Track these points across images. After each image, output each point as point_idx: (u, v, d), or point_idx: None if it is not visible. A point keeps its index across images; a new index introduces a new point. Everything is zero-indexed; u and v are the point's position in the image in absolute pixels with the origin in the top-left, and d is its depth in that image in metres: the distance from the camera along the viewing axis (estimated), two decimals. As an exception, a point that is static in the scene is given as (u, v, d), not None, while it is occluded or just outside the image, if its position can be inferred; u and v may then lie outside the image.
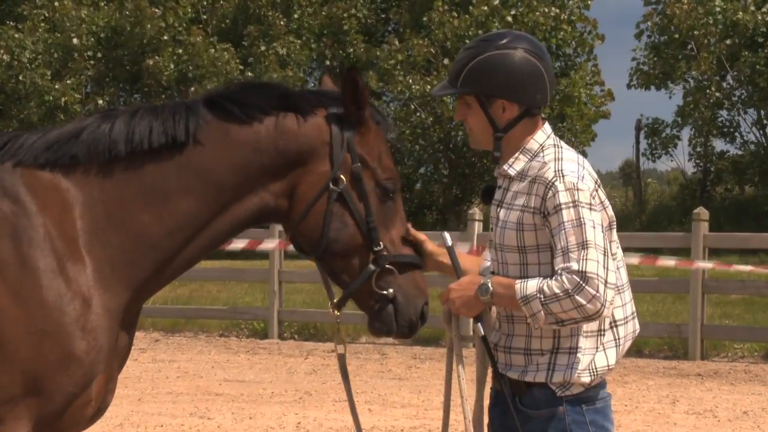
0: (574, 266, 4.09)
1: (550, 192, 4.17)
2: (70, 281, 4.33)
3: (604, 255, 4.12)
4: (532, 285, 4.17)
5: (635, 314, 4.41)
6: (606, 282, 4.10)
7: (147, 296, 4.55)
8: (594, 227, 4.13)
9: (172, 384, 13.62)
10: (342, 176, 4.44)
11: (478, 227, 16.57)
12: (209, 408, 11.96)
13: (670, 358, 15.31)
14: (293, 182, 4.46)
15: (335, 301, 4.59)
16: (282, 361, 15.54)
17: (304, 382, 13.63)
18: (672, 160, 33.99)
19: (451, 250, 4.48)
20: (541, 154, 4.27)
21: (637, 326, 4.41)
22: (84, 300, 4.33)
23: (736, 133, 31.24)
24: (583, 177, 4.18)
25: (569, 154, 4.27)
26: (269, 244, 17.23)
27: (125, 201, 4.41)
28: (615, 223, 4.32)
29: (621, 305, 4.31)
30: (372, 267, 4.45)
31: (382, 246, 4.45)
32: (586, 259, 4.10)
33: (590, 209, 4.14)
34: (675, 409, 11.91)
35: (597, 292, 4.08)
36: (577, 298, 4.08)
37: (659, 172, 45.76)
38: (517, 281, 4.21)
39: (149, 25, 32.74)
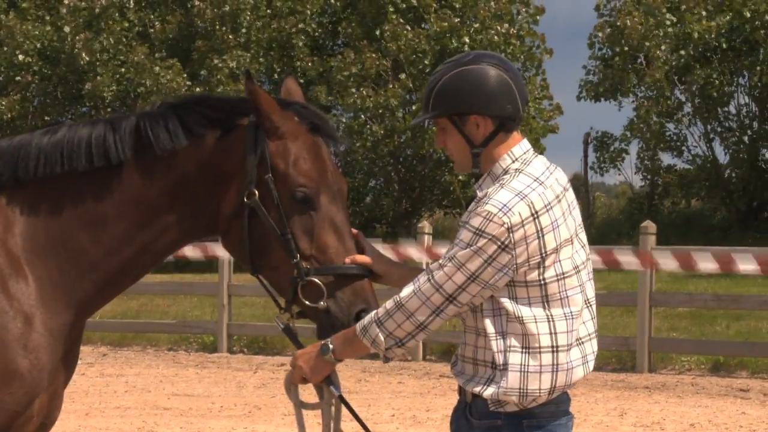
0: (433, 265, 4.20)
1: (473, 210, 4.20)
2: (12, 299, 4.31)
3: (468, 279, 4.14)
4: (369, 315, 4.26)
5: (587, 337, 4.32)
6: (439, 287, 4.16)
7: (90, 313, 4.52)
8: (476, 256, 4.13)
9: (120, 398, 13.54)
10: (255, 189, 4.36)
11: (427, 240, 16.60)
12: (157, 422, 11.90)
13: (618, 371, 15.40)
14: (218, 199, 4.41)
15: (282, 311, 4.49)
16: (231, 375, 15.50)
17: (253, 396, 13.60)
18: (620, 174, 34.24)
19: (287, 331, 4.47)
20: (501, 179, 4.25)
21: (589, 351, 4.33)
22: (26, 318, 4.31)
23: (683, 147, 31.49)
24: (509, 209, 4.14)
25: (518, 182, 4.22)
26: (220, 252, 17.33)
27: (64, 221, 4.40)
28: (564, 246, 4.25)
29: (566, 331, 4.25)
30: (296, 279, 4.35)
31: (299, 258, 4.32)
32: (441, 266, 4.17)
33: (493, 242, 4.12)
34: (623, 421, 11.99)
35: (420, 281, 4.19)
36: (403, 296, 4.20)
37: (607, 185, 46.01)
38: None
39: (83, 53, 32.43)
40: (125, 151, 4.38)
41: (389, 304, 4.23)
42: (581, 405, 12.74)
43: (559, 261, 4.23)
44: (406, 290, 4.22)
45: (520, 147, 4.33)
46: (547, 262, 4.20)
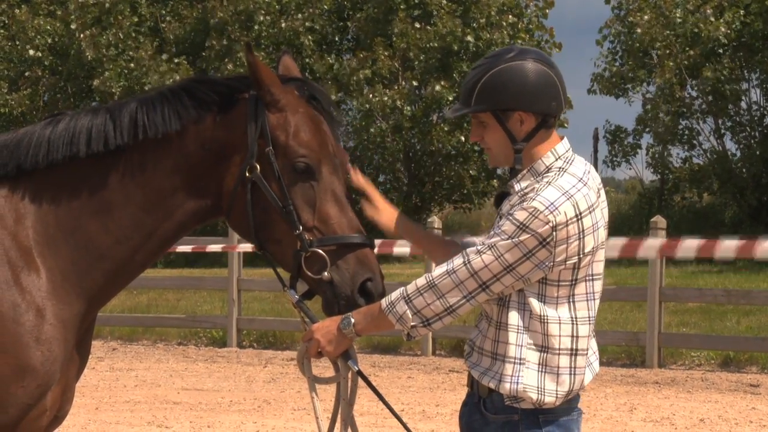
0: (471, 249, 4.18)
1: (518, 204, 4.19)
2: (25, 292, 4.32)
3: (504, 270, 4.14)
4: (396, 291, 4.24)
5: (592, 339, 4.37)
6: (474, 273, 4.16)
7: (102, 304, 4.53)
8: (517, 249, 4.14)
9: (130, 393, 13.56)
10: (257, 163, 4.36)
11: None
12: (167, 417, 11.91)
13: (628, 366, 15.38)
14: (221, 176, 4.41)
15: (287, 288, 4.46)
16: (241, 369, 15.50)
17: (262, 391, 13.61)
18: (630, 168, 34.12)
19: (300, 305, 4.42)
20: (545, 176, 4.25)
21: (592, 356, 4.39)
22: (38, 311, 4.32)
23: (695, 141, 31.42)
24: (556, 208, 4.15)
25: (565, 180, 4.23)
26: (215, 247, 17.38)
27: (73, 211, 4.41)
28: (599, 248, 4.28)
29: (586, 336, 4.29)
30: (300, 252, 4.34)
31: (301, 229, 4.32)
32: (480, 253, 4.16)
33: (535, 238, 4.13)
34: (632, 416, 11.97)
35: (454, 263, 4.18)
36: (436, 275, 4.18)
37: (617, 180, 45.90)
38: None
39: (88, 51, 32.44)
40: (125, 137, 4.39)
41: (420, 281, 4.22)
42: (591, 400, 12.72)
43: (592, 263, 4.26)
44: (439, 270, 4.21)
45: (562, 145, 4.34)
46: (582, 263, 4.22)
